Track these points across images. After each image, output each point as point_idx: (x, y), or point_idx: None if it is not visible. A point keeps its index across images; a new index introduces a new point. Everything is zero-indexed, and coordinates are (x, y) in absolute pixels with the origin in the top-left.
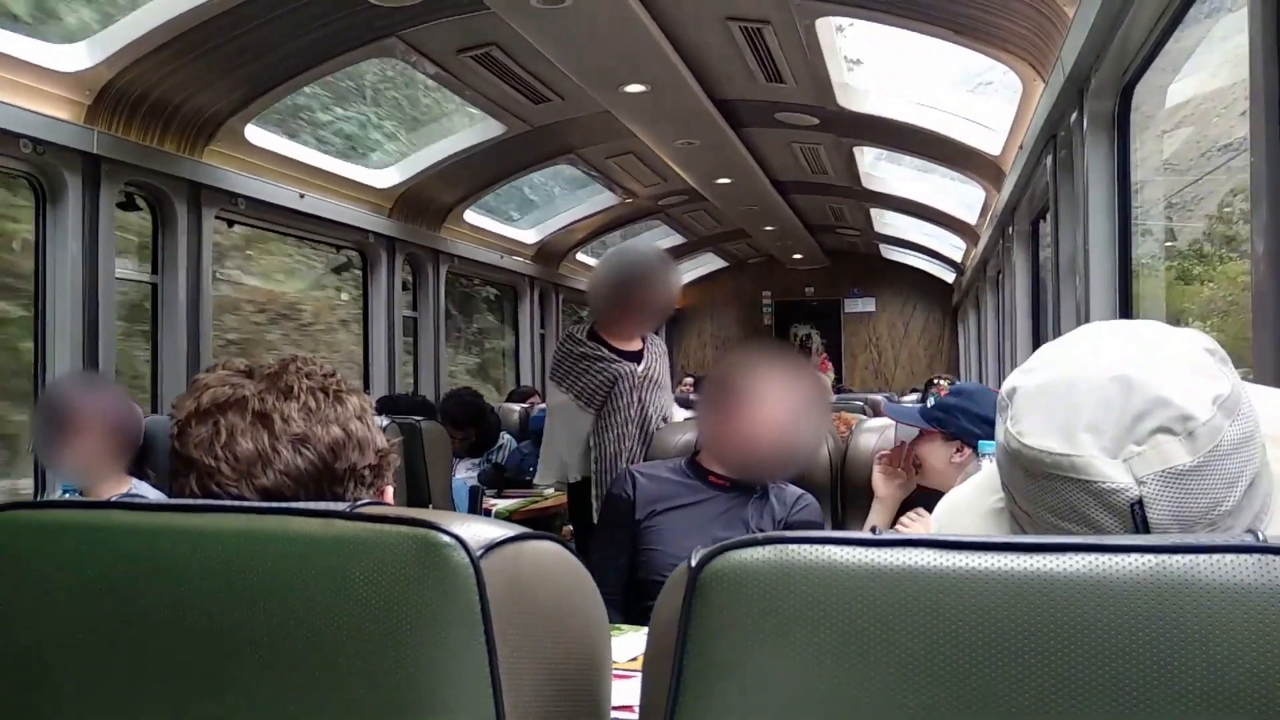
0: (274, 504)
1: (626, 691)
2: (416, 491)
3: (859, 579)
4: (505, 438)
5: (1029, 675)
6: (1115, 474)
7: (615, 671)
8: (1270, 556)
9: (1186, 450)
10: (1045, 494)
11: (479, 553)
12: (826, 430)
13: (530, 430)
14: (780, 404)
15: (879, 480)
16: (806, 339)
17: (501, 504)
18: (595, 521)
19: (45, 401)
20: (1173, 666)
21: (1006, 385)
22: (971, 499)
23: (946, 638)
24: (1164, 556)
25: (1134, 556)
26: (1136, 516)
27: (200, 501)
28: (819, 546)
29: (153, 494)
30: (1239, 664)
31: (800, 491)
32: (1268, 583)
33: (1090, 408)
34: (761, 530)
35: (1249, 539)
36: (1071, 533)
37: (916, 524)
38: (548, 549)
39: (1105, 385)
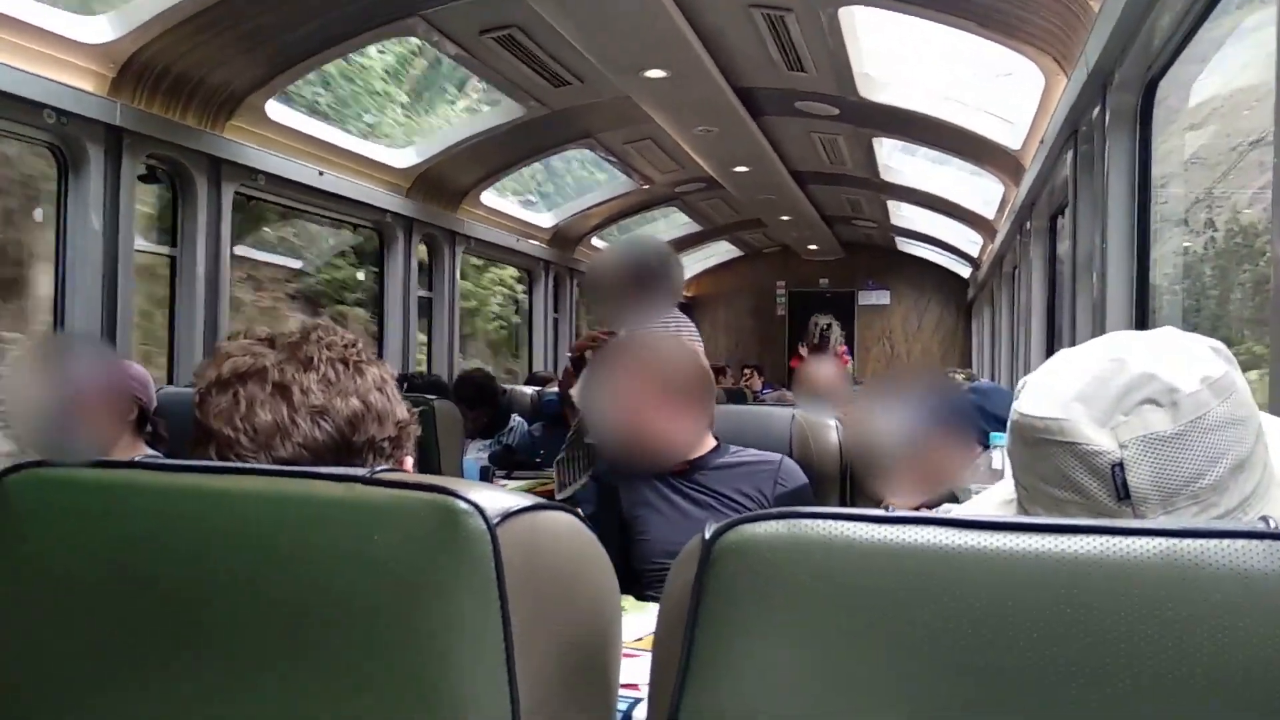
0: (295, 468)
1: (632, 670)
2: (428, 469)
3: (871, 555)
4: (516, 419)
5: (1038, 654)
6: (1099, 438)
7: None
8: None
9: (1169, 419)
10: (1038, 461)
11: (496, 520)
12: (703, 425)
13: (543, 413)
14: (640, 395)
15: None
16: (827, 329)
17: (511, 484)
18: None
19: (22, 370)
20: (1181, 649)
21: (1021, 380)
22: (989, 497)
23: (957, 615)
24: (1175, 540)
25: (1145, 539)
26: (1117, 479)
27: (222, 463)
28: (833, 522)
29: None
30: (1247, 648)
31: (778, 459)
32: (1277, 569)
33: (1085, 381)
34: (745, 505)
35: (1260, 525)
36: (1062, 500)
37: None
38: (563, 520)
39: (1103, 364)
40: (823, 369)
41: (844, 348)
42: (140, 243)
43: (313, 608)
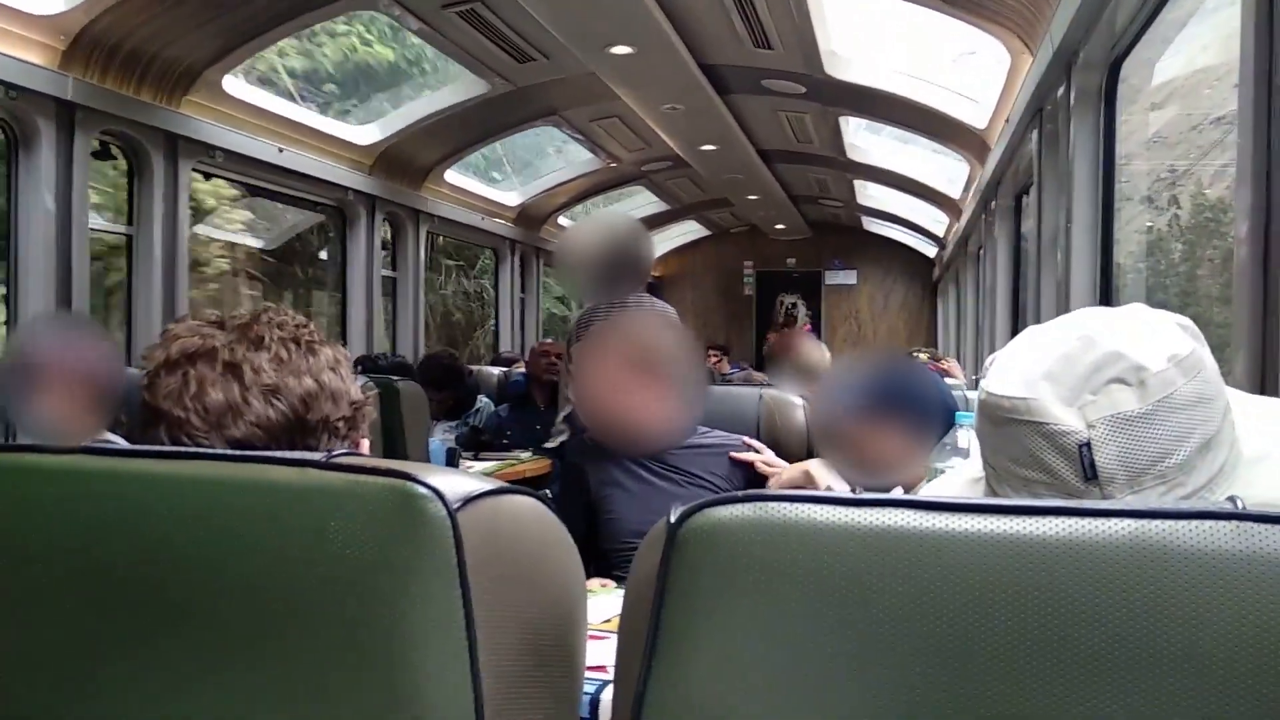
0: (248, 452)
1: (599, 651)
2: (393, 451)
3: (838, 538)
4: (483, 400)
5: (1006, 637)
6: (1067, 417)
7: (588, 632)
8: (1248, 524)
9: (1136, 398)
10: (1006, 441)
11: (456, 505)
12: (699, 402)
13: (509, 394)
14: (642, 377)
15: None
16: (793, 308)
17: (478, 466)
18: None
19: (16, 346)
20: (1150, 630)
21: (989, 358)
22: (956, 476)
23: (924, 597)
24: (1143, 521)
25: (1113, 521)
26: (1084, 459)
27: (174, 448)
28: (798, 505)
29: (121, 444)
30: (1215, 629)
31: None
32: (1245, 549)
33: (1052, 360)
34: (714, 485)
35: (1228, 506)
36: (1030, 480)
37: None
38: (526, 504)
39: (1070, 342)
40: (801, 346)
41: (808, 326)
42: (95, 221)
43: (269, 595)
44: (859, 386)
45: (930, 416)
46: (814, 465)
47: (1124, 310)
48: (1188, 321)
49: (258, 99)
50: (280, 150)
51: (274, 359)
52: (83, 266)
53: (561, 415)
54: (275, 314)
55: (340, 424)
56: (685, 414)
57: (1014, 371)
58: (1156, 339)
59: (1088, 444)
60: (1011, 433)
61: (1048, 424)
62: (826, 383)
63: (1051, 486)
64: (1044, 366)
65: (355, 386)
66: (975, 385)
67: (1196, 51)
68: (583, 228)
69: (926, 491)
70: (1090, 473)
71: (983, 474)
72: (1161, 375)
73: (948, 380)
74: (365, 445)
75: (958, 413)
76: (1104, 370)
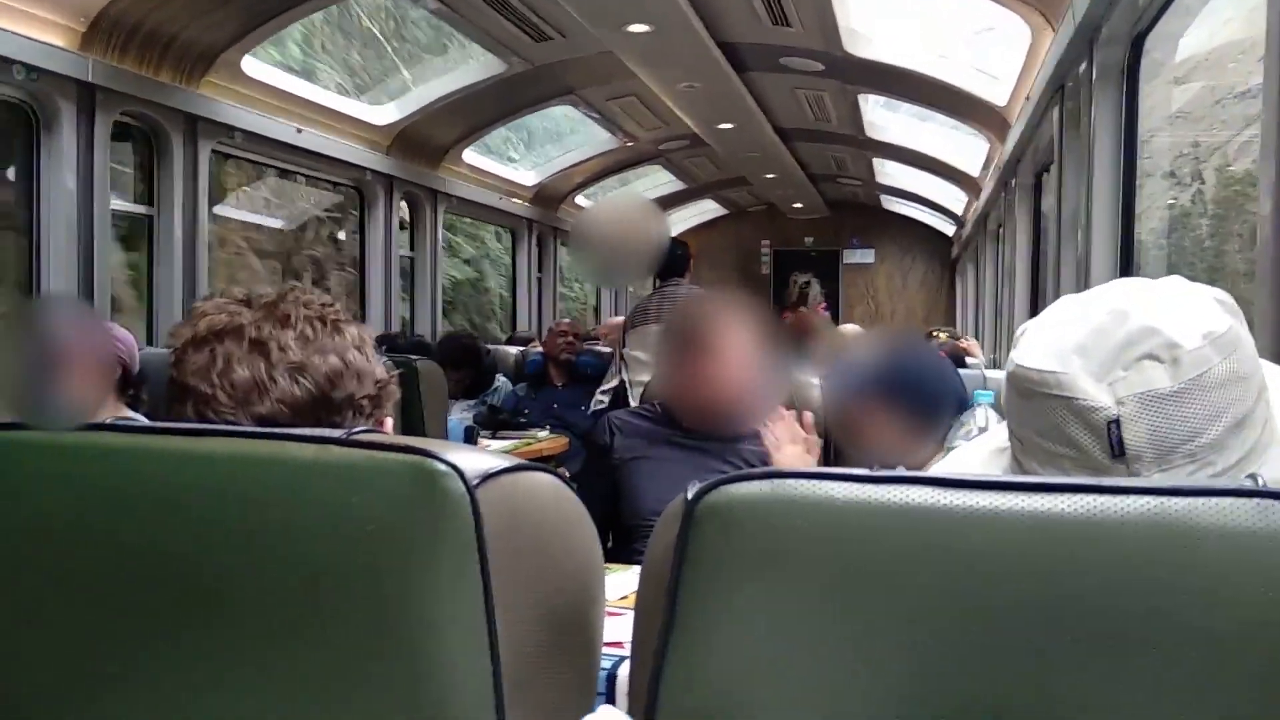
0: (268, 429)
1: (616, 628)
2: (412, 430)
3: (856, 514)
4: (501, 380)
5: (1024, 613)
6: (1096, 392)
7: (606, 608)
8: (1269, 501)
9: (1169, 376)
10: (1033, 414)
11: (475, 482)
12: (787, 384)
13: (526, 373)
14: (736, 357)
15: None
16: (806, 285)
17: (496, 445)
18: None
19: (26, 331)
20: (1168, 608)
21: (1020, 328)
22: (979, 445)
23: (942, 574)
24: (1163, 499)
25: (1133, 498)
26: (1113, 436)
27: (193, 425)
28: (816, 482)
29: (142, 422)
30: (1235, 607)
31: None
32: (1266, 527)
33: (1084, 334)
34: (741, 463)
35: (1248, 483)
36: (1056, 455)
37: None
38: (544, 481)
39: (1102, 316)
40: (818, 328)
41: (823, 304)
42: (116, 202)
43: (288, 571)
44: (866, 372)
45: (935, 404)
46: (791, 455)
47: (1160, 283)
48: (1225, 296)
49: (276, 79)
50: (299, 131)
51: (300, 337)
52: (104, 246)
53: (606, 387)
54: (301, 293)
55: (365, 402)
56: (771, 398)
57: (1044, 344)
58: (1192, 315)
59: (1117, 421)
60: (1039, 406)
61: (1077, 399)
62: (836, 367)
63: (1078, 462)
64: (1075, 340)
65: (380, 366)
66: (994, 365)
67: (1221, 25)
68: (598, 210)
69: (949, 461)
70: (1118, 450)
71: (1008, 444)
72: (1196, 353)
73: (967, 359)
74: (389, 424)
75: (977, 392)
76: (1137, 346)
